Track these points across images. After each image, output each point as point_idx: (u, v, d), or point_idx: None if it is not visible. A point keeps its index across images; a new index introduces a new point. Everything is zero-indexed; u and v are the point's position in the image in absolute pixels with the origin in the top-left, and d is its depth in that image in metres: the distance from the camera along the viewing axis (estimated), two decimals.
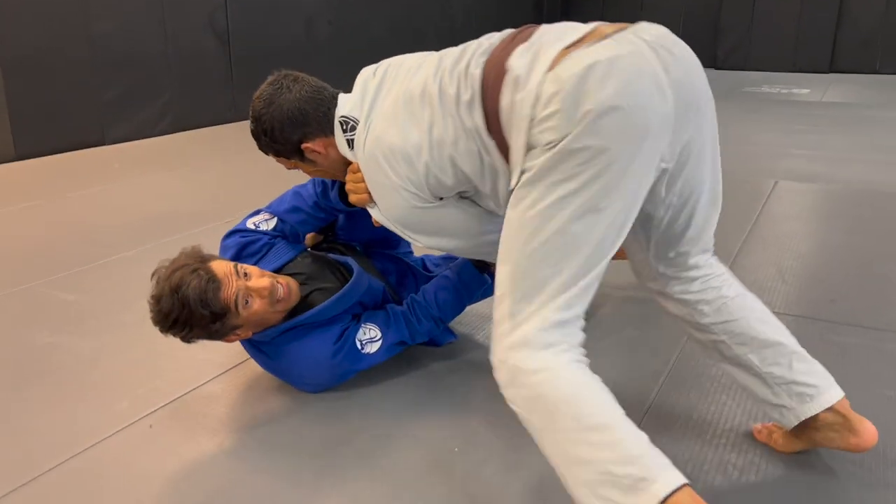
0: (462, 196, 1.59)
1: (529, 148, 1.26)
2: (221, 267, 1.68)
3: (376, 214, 1.63)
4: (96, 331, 2.24)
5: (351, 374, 1.85)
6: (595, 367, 1.28)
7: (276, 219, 1.98)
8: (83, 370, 2.01)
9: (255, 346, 1.83)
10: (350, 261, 1.95)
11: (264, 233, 1.96)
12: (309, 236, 2.11)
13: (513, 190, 1.29)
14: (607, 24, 1.35)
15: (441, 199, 1.56)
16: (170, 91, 5.54)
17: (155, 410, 1.78)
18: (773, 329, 1.54)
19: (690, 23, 10.94)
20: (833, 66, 9.98)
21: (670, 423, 1.72)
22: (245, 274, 1.70)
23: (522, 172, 1.27)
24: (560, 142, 1.21)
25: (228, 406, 1.82)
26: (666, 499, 1.12)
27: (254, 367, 1.95)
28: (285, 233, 1.98)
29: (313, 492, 1.48)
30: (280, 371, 1.85)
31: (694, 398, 1.83)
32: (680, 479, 1.15)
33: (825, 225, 3.30)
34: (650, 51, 1.26)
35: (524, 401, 1.26)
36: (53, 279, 2.66)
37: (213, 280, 1.62)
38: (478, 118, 1.35)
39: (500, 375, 1.29)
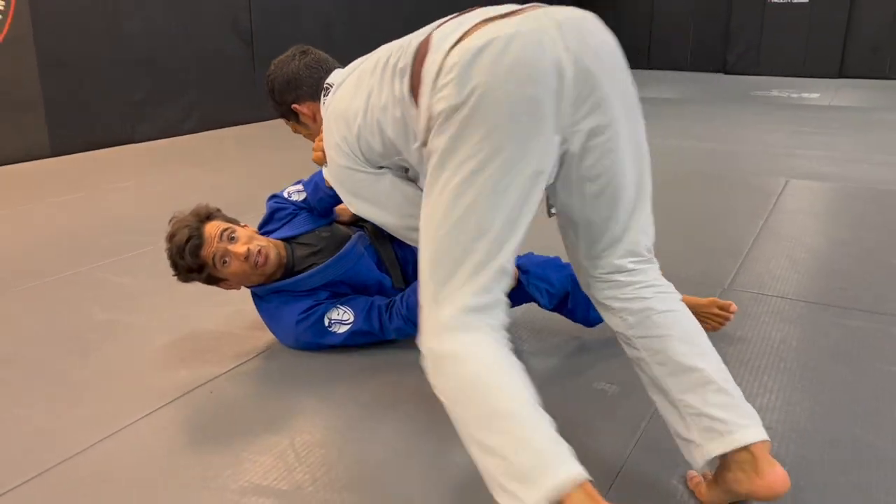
0: (406, 173, 1.64)
1: (429, 116, 1.29)
2: (212, 228, 1.97)
3: (325, 173, 1.77)
4: (150, 309, 2.39)
5: (317, 346, 2.04)
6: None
7: (305, 192, 2.19)
8: (142, 343, 2.15)
9: (253, 295, 2.12)
10: (355, 245, 2.10)
11: (293, 203, 2.19)
12: (347, 211, 2.25)
13: (424, 154, 1.33)
14: (537, 3, 1.35)
15: (381, 168, 1.61)
16: (195, 91, 5.70)
17: (213, 379, 1.93)
18: (696, 352, 1.39)
19: (700, 28, 11.08)
20: (843, 71, 10.10)
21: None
22: (231, 238, 1.98)
23: (430, 154, 1.28)
24: (449, 113, 1.23)
25: (279, 376, 1.97)
26: (561, 492, 1.08)
27: (273, 358, 2.10)
28: (311, 205, 2.16)
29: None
30: (264, 320, 2.11)
31: None
32: (580, 473, 1.11)
33: (835, 221, 3.43)
34: (556, 30, 1.26)
35: (445, 390, 1.23)
36: (103, 264, 2.82)
37: (197, 238, 1.94)
38: (405, 84, 1.39)
39: (426, 364, 1.26)
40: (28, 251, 3.02)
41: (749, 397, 1.80)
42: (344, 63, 1.88)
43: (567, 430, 1.38)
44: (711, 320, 2.09)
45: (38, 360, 2.06)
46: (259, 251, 1.97)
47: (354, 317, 2.02)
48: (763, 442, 1.32)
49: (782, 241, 3.08)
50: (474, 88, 1.22)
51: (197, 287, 2.47)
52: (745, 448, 1.30)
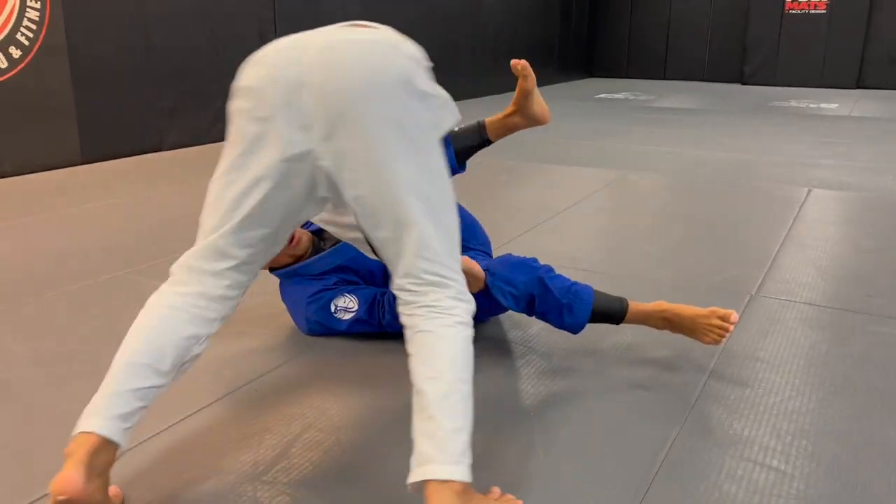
0: None
1: None
2: None
3: None
4: None
5: (325, 330, 2.20)
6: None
7: None
8: None
9: (279, 278, 2.28)
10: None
11: None
12: None
13: None
14: (352, 23, 1.44)
15: None
16: (221, 99, 5.78)
17: (258, 377, 1.99)
18: (428, 374, 1.32)
19: (717, 38, 11.12)
20: (861, 82, 10.12)
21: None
22: None
23: None
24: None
25: (320, 375, 2.02)
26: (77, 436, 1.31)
27: (317, 355, 2.16)
28: None
29: None
30: (284, 302, 2.29)
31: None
32: (94, 426, 1.31)
33: (859, 230, 3.46)
34: (314, 52, 1.35)
35: None
36: (141, 268, 2.89)
37: None
38: None
39: None
40: (67, 255, 3.10)
41: (781, 400, 1.85)
42: None
43: (594, 446, 1.42)
44: (712, 332, 1.95)
45: (90, 360, 2.12)
46: (293, 233, 2.14)
47: (358, 306, 2.16)
48: (443, 482, 1.23)
49: (807, 250, 3.11)
50: (236, 90, 1.43)
51: None
52: (426, 483, 1.24)
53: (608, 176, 4.59)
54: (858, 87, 10.16)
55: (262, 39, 6.27)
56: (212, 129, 5.74)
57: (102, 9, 4.88)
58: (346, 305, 2.17)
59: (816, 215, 3.69)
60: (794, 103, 8.59)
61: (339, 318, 2.16)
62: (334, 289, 2.20)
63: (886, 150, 5.55)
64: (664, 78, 11.68)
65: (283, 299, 2.29)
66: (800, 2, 10.22)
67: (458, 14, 8.63)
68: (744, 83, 10.86)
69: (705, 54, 11.36)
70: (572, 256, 2.99)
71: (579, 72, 12.04)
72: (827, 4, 10.08)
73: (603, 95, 9.55)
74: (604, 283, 2.68)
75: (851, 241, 3.27)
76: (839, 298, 2.57)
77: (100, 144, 4.93)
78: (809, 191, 4.16)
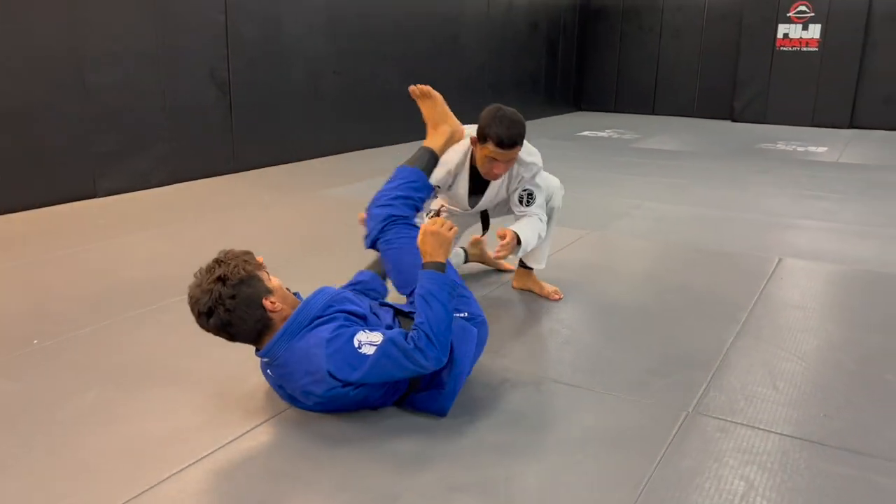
0: None
1: None
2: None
3: None
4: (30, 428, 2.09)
5: (343, 389, 2.00)
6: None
7: None
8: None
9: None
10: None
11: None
12: None
13: None
14: None
15: None
16: (166, 142, 5.45)
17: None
18: None
19: (708, 74, 10.83)
20: (854, 121, 9.77)
21: None
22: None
23: None
24: None
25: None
26: None
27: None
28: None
29: None
30: (289, 368, 2.05)
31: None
32: None
33: (828, 317, 3.08)
34: None
35: None
36: (46, 344, 2.53)
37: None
38: None
39: None
40: None
41: None
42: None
43: None
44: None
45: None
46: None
47: (383, 337, 1.99)
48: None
49: (763, 344, 2.74)
50: None
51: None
52: None
53: (562, 238, 4.19)
54: (851, 126, 9.81)
55: (215, 79, 5.97)
56: (154, 173, 5.39)
57: (32, 46, 4.55)
58: (370, 340, 1.99)
59: (782, 294, 3.31)
60: (781, 146, 8.24)
61: (364, 353, 1.95)
62: (353, 327, 2.05)
63: (874, 207, 5.18)
64: (653, 113, 11.37)
65: (289, 363, 2.04)
66: (791, 39, 9.91)
67: (436, 49, 8.33)
68: (734, 120, 10.52)
69: (695, 90, 11.05)
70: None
71: (567, 105, 11.73)
72: (819, 42, 9.76)
73: (586, 133, 9.22)
74: (503, 392, 2.29)
75: (818, 333, 2.88)
76: (790, 418, 2.20)
77: (20, 192, 4.57)
78: (780, 260, 3.79)
